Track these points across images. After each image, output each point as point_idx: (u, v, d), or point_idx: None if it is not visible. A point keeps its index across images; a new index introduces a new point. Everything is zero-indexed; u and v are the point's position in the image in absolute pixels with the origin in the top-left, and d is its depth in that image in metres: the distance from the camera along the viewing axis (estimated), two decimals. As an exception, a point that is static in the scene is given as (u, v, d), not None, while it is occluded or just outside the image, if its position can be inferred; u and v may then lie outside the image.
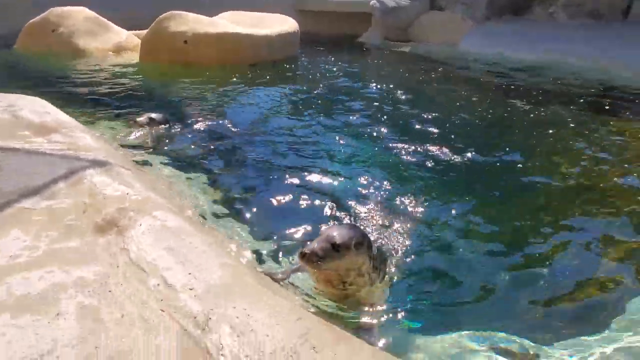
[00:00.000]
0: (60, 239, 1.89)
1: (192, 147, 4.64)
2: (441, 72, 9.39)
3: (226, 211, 3.20)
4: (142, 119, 4.81)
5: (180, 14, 8.74)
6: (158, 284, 1.66)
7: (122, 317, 1.49)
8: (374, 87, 7.82)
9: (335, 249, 2.04)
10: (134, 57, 9.55)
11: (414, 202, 3.52)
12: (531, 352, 2.07)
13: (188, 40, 8.52)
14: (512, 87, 8.08)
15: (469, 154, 4.61)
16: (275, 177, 4.00)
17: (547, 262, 2.91)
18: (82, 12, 10.35)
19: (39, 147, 2.95)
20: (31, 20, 10.29)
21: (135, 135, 4.70)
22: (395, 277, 2.54)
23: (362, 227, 2.53)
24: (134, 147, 4.35)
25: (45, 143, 3.04)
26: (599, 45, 9.62)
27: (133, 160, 3.63)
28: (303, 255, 2.00)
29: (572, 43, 10.06)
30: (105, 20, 10.51)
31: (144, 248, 1.86)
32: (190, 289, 1.63)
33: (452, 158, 4.54)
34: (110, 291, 1.61)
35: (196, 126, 5.30)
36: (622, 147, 5.02)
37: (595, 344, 2.12)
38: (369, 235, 2.36)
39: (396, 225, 3.12)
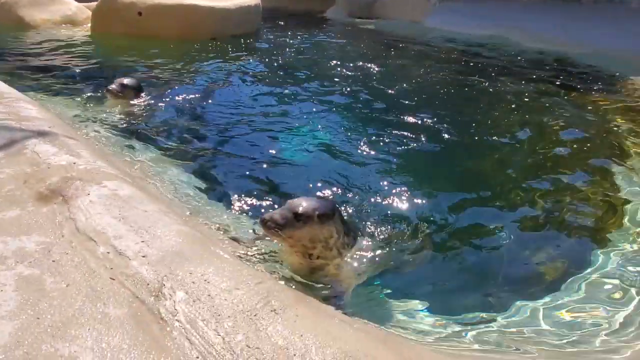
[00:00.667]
0: (27, 218, 1.73)
1: (159, 123, 4.43)
2: (405, 48, 9.38)
3: (191, 185, 3.10)
4: (114, 86, 4.48)
5: (132, -16, 8.28)
6: (108, 252, 1.55)
7: (67, 287, 1.38)
8: (337, 62, 7.68)
9: (297, 218, 1.99)
10: (84, 30, 9.04)
11: (373, 179, 3.49)
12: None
13: (142, 11, 8.11)
14: (474, 63, 8.17)
15: (430, 130, 4.63)
16: (238, 152, 3.89)
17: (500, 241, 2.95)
18: (26, -18, 9.65)
19: (-24, 117, 2.71)
20: (-31, -10, 9.51)
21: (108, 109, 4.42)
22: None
23: (335, 203, 2.40)
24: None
25: (-18, 113, 2.80)
26: (557, 23, 9.87)
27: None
28: (263, 222, 1.98)
29: (531, 21, 10.27)
30: (51, -10, 9.85)
31: (92, 217, 1.74)
32: (143, 257, 1.54)
33: (413, 134, 4.48)
34: (54, 261, 1.49)
35: (154, 101, 5.06)
36: (582, 118, 5.18)
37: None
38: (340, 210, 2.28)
39: (353, 201, 3.09)
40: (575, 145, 4.36)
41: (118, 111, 4.49)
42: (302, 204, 2.03)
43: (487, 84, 6.57)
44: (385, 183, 3.42)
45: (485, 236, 2.98)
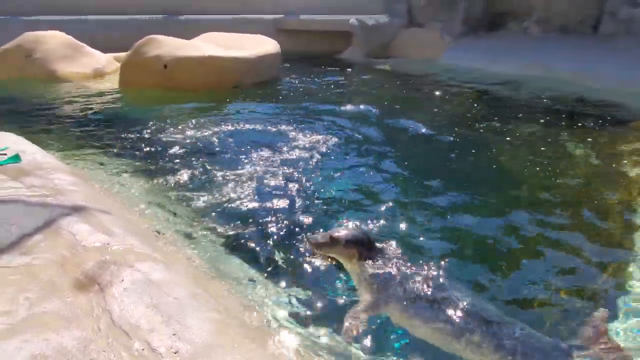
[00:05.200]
0: (39, 300, 1.82)
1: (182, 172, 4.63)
2: (423, 88, 9.54)
3: (213, 237, 3.20)
4: None
5: (157, 38, 8.70)
6: (142, 349, 1.61)
7: (105, 390, 1.43)
8: (358, 105, 7.88)
9: (331, 240, 2.85)
10: (113, 82, 9.45)
11: (395, 217, 3.77)
12: None
13: (167, 64, 8.48)
14: (489, 102, 8.26)
15: (447, 169, 4.92)
16: (260, 198, 4.01)
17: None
18: (58, 37, 10.27)
19: (15, 193, 2.86)
20: (3, 46, 10.13)
21: None
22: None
23: (366, 233, 3.09)
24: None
25: (21, 188, 2.95)
26: (575, 58, 9.90)
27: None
28: (308, 240, 2.98)
29: (546, 57, 10.32)
30: (82, 44, 10.43)
31: (127, 308, 1.81)
32: (175, 353, 1.58)
33: (430, 175, 4.74)
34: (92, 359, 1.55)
35: (180, 149, 5.29)
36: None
37: None
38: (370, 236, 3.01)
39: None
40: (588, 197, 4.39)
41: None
42: (337, 232, 2.92)
43: (500, 127, 6.60)
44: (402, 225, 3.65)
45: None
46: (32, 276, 1.99)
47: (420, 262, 2.96)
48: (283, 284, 2.86)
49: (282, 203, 3.90)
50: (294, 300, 2.65)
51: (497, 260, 3.35)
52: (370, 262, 2.82)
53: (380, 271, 2.76)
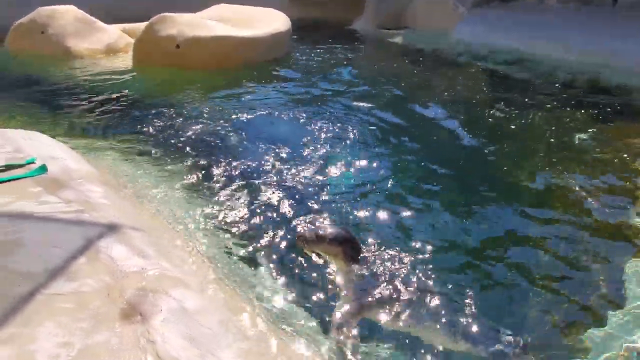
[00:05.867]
0: (91, 331, 2.09)
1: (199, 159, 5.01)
2: (434, 66, 9.51)
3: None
4: None
5: (170, 16, 8.70)
6: (184, 382, 1.89)
7: (157, 422, 1.72)
8: (368, 85, 8.04)
9: (317, 239, 3.13)
10: (126, 60, 9.52)
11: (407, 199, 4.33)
12: None
13: (180, 44, 8.51)
14: (500, 84, 8.30)
15: (452, 157, 5.31)
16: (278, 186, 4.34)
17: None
18: (71, 12, 10.27)
19: (52, 209, 3.11)
20: (20, 20, 10.20)
21: None
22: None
23: (351, 233, 3.34)
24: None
25: (57, 203, 3.20)
26: (589, 35, 9.69)
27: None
28: (297, 237, 3.27)
29: (561, 32, 10.10)
30: (94, 19, 10.43)
31: (168, 339, 2.08)
32: (214, 388, 1.86)
33: (433, 162, 5.16)
34: (143, 392, 1.83)
35: (198, 139, 5.55)
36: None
37: None
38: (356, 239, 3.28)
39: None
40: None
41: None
42: (326, 231, 3.18)
43: (509, 113, 6.69)
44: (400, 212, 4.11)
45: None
46: (81, 305, 2.26)
47: (409, 259, 3.33)
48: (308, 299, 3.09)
49: (308, 203, 4.17)
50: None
51: (492, 253, 3.61)
52: (355, 263, 3.09)
53: (364, 273, 3.06)
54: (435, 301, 2.94)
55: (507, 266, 3.51)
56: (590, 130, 6.01)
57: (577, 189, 4.57)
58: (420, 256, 3.47)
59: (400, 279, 3.06)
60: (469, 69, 9.32)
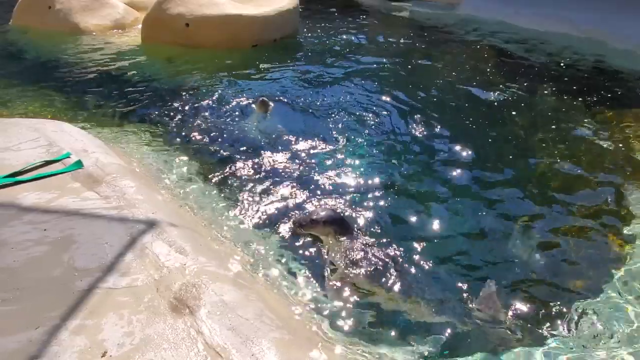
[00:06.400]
0: (148, 322, 2.45)
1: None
2: (441, 44, 9.59)
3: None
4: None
5: (179, -6, 8.71)
6: (232, 367, 2.25)
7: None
8: (377, 63, 8.26)
9: (311, 222, 3.64)
10: (135, 36, 9.59)
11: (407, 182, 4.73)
12: None
13: (190, 22, 8.58)
14: (506, 64, 8.41)
15: (456, 139, 5.59)
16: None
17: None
18: (77, -14, 10.20)
19: (94, 206, 3.43)
20: (24, -5, 10.18)
21: None
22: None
23: (339, 214, 3.90)
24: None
25: (97, 199, 3.51)
26: (596, 14, 9.68)
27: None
28: (293, 222, 3.82)
29: (569, 10, 10.09)
30: (100, -7, 10.38)
31: (214, 330, 2.43)
32: (258, 372, 2.23)
33: (441, 142, 5.59)
34: (199, 375, 2.20)
35: (214, 121, 5.93)
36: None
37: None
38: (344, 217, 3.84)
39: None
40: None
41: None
42: (316, 214, 3.68)
43: (513, 96, 6.90)
44: (392, 195, 4.49)
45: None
46: (136, 298, 2.61)
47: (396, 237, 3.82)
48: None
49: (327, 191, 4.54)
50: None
51: (487, 239, 3.98)
52: (344, 238, 3.57)
53: (352, 247, 3.50)
54: (416, 272, 3.46)
55: (495, 241, 3.89)
56: (593, 115, 6.24)
57: (577, 173, 4.89)
58: (407, 234, 3.95)
59: (384, 252, 3.54)
60: (475, 46, 9.40)
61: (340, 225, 3.67)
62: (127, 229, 3.20)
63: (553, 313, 3.28)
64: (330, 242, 3.66)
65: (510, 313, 3.24)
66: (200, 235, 3.50)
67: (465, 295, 3.36)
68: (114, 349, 2.30)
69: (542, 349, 2.96)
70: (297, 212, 4.21)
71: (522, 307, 3.31)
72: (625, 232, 4.10)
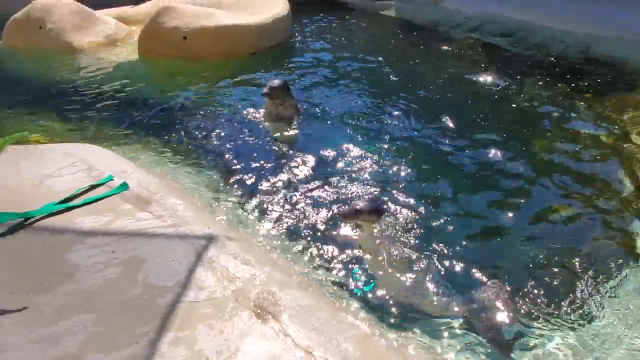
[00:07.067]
0: (238, 330, 2.66)
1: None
2: (429, 41, 9.92)
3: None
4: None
5: (175, 7, 8.83)
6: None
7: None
8: (370, 63, 8.59)
9: (356, 212, 3.93)
10: (130, 51, 9.64)
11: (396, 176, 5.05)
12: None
13: (187, 35, 8.69)
14: (495, 57, 8.74)
15: (433, 136, 5.92)
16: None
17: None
18: (67, 5, 10.18)
19: (151, 225, 3.60)
20: (14, 16, 10.12)
21: None
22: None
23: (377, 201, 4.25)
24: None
25: (152, 219, 3.68)
26: (581, 4, 10.02)
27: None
28: (338, 214, 4.08)
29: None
30: (90, 10, 10.40)
31: (300, 332, 2.66)
32: (350, 366, 2.47)
33: (418, 138, 5.90)
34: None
35: (226, 133, 6.08)
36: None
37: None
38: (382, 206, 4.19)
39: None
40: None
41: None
42: (358, 205, 3.95)
43: (503, 90, 7.24)
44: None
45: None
46: (220, 309, 2.81)
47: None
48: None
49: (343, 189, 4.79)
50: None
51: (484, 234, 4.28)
52: (382, 223, 4.02)
53: (388, 232, 3.98)
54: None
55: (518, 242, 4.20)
56: (586, 101, 6.63)
57: (568, 163, 5.26)
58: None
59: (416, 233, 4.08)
60: (462, 42, 9.73)
61: (381, 212, 4.08)
62: (190, 245, 3.39)
63: (569, 301, 3.57)
64: (373, 229, 4.02)
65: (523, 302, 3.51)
66: (256, 247, 3.71)
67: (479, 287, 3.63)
68: (213, 357, 2.51)
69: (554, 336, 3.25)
70: (330, 211, 4.46)
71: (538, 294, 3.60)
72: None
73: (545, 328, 3.31)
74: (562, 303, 3.52)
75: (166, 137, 6.09)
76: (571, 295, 3.59)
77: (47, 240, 3.46)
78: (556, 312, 3.44)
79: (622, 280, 3.77)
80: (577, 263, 3.90)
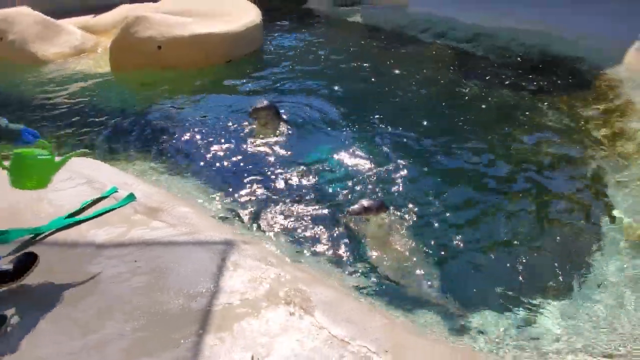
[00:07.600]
0: (276, 326, 2.79)
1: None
2: (396, 47, 10.30)
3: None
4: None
5: (147, 17, 8.75)
6: (361, 346, 2.67)
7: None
8: (341, 70, 8.90)
9: (365, 210, 4.26)
10: (99, 61, 9.46)
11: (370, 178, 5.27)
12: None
13: (162, 45, 8.64)
14: (461, 61, 9.20)
15: (413, 136, 6.21)
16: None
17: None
18: (28, 15, 9.90)
19: (167, 233, 3.66)
20: (-29, 28, 9.70)
21: None
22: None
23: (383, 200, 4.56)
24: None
25: (167, 228, 3.74)
26: (539, 6, 10.62)
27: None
28: (348, 211, 4.34)
29: (515, 4, 10.94)
30: (54, 20, 10.13)
31: (331, 322, 2.83)
32: (386, 351, 2.67)
33: (399, 139, 6.15)
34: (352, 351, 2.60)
35: (210, 142, 6.15)
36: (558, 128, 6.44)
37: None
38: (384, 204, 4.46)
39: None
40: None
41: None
42: (367, 202, 4.30)
43: (471, 93, 7.70)
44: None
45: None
46: (255, 309, 2.94)
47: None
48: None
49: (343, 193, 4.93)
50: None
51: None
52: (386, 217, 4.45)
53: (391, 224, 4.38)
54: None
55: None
56: (550, 99, 7.17)
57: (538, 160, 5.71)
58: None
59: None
60: (428, 47, 10.18)
61: (385, 207, 4.44)
62: (211, 250, 3.49)
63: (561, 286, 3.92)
64: (379, 222, 4.35)
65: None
66: (270, 248, 3.84)
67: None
68: (257, 354, 2.64)
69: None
70: (329, 209, 4.67)
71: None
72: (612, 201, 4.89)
73: (533, 310, 3.62)
74: (549, 285, 3.87)
75: (149, 148, 6.05)
76: (556, 278, 3.95)
77: (64, 254, 3.45)
78: (545, 296, 3.77)
79: (601, 260, 4.18)
80: (558, 246, 4.28)
